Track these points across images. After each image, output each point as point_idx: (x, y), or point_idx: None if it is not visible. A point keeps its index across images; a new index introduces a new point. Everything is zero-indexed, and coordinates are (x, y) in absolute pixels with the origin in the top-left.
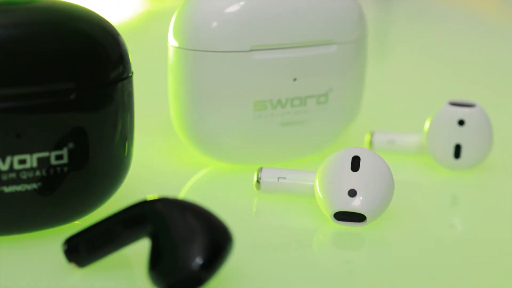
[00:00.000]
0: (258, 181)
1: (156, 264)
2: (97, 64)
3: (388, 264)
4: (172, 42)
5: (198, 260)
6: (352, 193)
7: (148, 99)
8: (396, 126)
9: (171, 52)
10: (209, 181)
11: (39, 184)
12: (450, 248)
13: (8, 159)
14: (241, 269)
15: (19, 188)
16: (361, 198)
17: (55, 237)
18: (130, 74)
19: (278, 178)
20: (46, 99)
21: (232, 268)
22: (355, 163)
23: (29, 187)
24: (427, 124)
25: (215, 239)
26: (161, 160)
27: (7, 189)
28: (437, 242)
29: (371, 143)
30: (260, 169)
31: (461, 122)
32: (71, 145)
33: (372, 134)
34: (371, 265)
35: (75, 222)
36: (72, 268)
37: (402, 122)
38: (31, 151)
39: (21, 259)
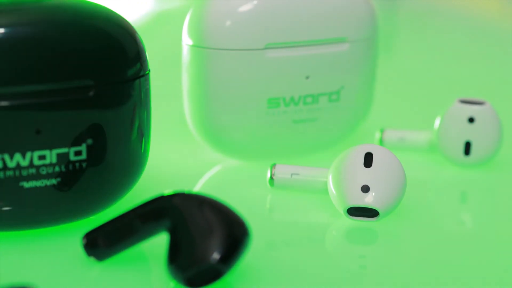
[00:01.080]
0: (271, 177)
1: (175, 258)
2: (115, 62)
3: (400, 258)
4: (187, 41)
5: (217, 254)
6: (365, 188)
7: (163, 96)
8: (406, 124)
9: (185, 51)
10: (223, 177)
11: (58, 179)
12: (459, 243)
13: (28, 155)
14: (255, 265)
15: (38, 183)
16: (374, 193)
17: (73, 232)
18: (147, 72)
19: (292, 174)
20: (66, 96)
21: (246, 264)
22: (368, 160)
23: (48, 182)
24: (437, 122)
25: (233, 233)
26: (175, 157)
27: (27, 185)
28: (447, 237)
29: (381, 140)
30: (274, 166)
31: (471, 120)
32: (89, 141)
33: (382, 132)
34: (383, 260)
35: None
36: (91, 262)
37: (412, 120)
38: (50, 147)
39: (41, 254)
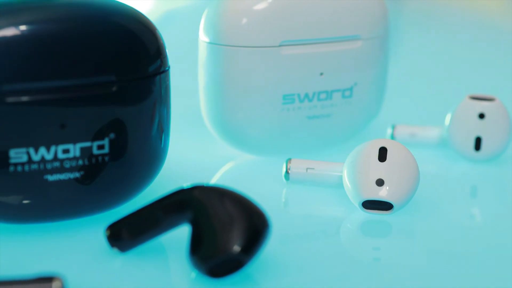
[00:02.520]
0: (287, 172)
1: (197, 249)
2: (137, 58)
3: (413, 251)
4: (203, 38)
5: (238, 244)
6: (380, 182)
7: (179, 92)
8: (417, 120)
9: (202, 47)
10: (239, 172)
11: (81, 173)
12: (470, 236)
13: (53, 149)
14: (271, 258)
15: (62, 176)
16: (388, 187)
17: (96, 225)
18: (167, 68)
19: (307, 169)
20: (89, 91)
21: (262, 257)
22: (382, 154)
23: (71, 175)
24: (448, 118)
25: (254, 224)
26: (191, 152)
27: (51, 178)
28: (458, 231)
29: (393, 136)
30: (289, 160)
31: (481, 116)
32: (112, 135)
33: (394, 128)
34: (397, 252)
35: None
36: (114, 253)
37: (423, 116)
38: (74, 141)
39: (66, 245)
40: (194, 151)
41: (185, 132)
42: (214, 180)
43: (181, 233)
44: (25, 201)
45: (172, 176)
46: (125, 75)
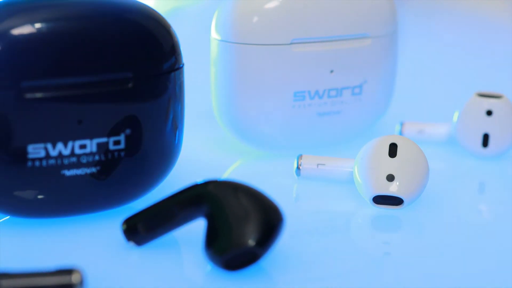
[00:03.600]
0: (298, 168)
1: (213, 242)
2: (153, 55)
3: (422, 245)
4: (215, 36)
5: (253, 238)
6: (390, 178)
7: (192, 89)
8: (425, 117)
9: (214, 45)
10: (250, 168)
11: (98, 168)
12: (477, 232)
13: (70, 144)
14: (283, 252)
15: (79, 171)
16: (398, 182)
17: (113, 219)
18: (181, 65)
19: (318, 164)
20: (106, 87)
21: (274, 251)
22: (393, 150)
23: (88, 170)
24: (455, 115)
25: (268, 218)
26: (203, 148)
27: (68, 173)
28: (466, 226)
29: (401, 133)
30: (300, 156)
31: (489, 113)
32: (127, 131)
33: (402, 125)
34: (407, 247)
35: None
36: (130, 246)
37: (431, 113)
38: (91, 137)
39: (82, 240)
40: (206, 147)
41: (197, 128)
42: (226, 175)
43: (197, 227)
44: (42, 196)
45: (185, 172)
46: (141, 72)
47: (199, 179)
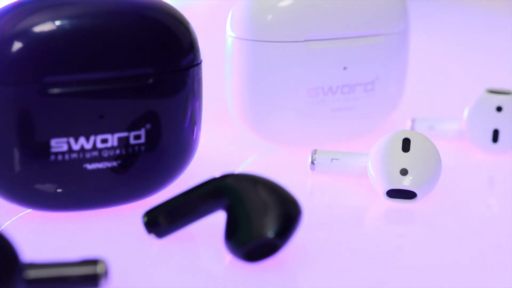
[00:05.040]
0: (312, 162)
1: (233, 234)
2: (172, 52)
3: (435, 239)
4: (230, 33)
5: (273, 230)
6: (404, 172)
7: (207, 86)
8: (435, 113)
9: (229, 42)
10: (265, 163)
11: (118, 162)
12: (488, 226)
13: (92, 139)
14: (297, 246)
15: (100, 165)
16: (411, 176)
17: (133, 212)
18: (200, 62)
19: (332, 159)
20: (127, 83)
21: (288, 245)
22: (406, 144)
23: (109, 164)
24: (466, 111)
25: (287, 210)
26: (218, 143)
27: (89, 167)
28: (476, 220)
29: (412, 129)
30: (314, 151)
31: (499, 109)
32: (148, 126)
33: (413, 121)
34: (420, 239)
35: None
36: (151, 239)
37: (441, 109)
38: (112, 131)
39: (103, 233)
40: (221, 142)
41: (212, 124)
42: (240, 169)
43: (217, 220)
44: (64, 189)
45: (201, 166)
46: (161, 68)
47: (215, 173)
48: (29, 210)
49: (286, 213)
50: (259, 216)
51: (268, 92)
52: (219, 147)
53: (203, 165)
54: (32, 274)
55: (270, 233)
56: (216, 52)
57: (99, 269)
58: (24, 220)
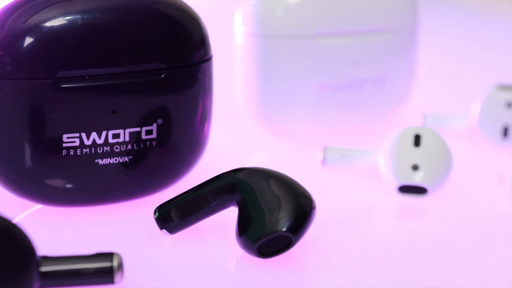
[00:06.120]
0: (323, 158)
1: (246, 229)
2: (184, 46)
3: (446, 234)
4: (240, 28)
5: (287, 224)
6: (415, 167)
7: (216, 81)
8: (445, 109)
9: (239, 37)
10: (274, 158)
11: (130, 157)
12: (497, 221)
13: (104, 134)
14: (307, 242)
15: (112, 160)
16: (423, 172)
17: (145, 207)
18: (211, 57)
19: (342, 155)
20: (139, 78)
21: (303, 239)
22: (417, 140)
23: (121, 159)
24: (476, 107)
25: (300, 205)
26: (227, 139)
27: (101, 162)
28: (487, 215)
29: (422, 124)
30: (325, 147)
31: (509, 105)
32: (159, 121)
33: (423, 116)
34: (430, 235)
35: None
36: (163, 234)
37: (451, 104)
38: (124, 126)
39: (114, 228)
40: (230, 138)
41: (221, 120)
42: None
43: (228, 215)
44: (76, 184)
45: (211, 161)
46: (172, 63)
47: (225, 169)
48: (39, 206)
49: (299, 207)
50: (272, 211)
51: (277, 88)
52: (227, 143)
53: (212, 161)
54: (48, 267)
55: (283, 228)
56: (223, 48)
57: (114, 262)
58: (35, 216)
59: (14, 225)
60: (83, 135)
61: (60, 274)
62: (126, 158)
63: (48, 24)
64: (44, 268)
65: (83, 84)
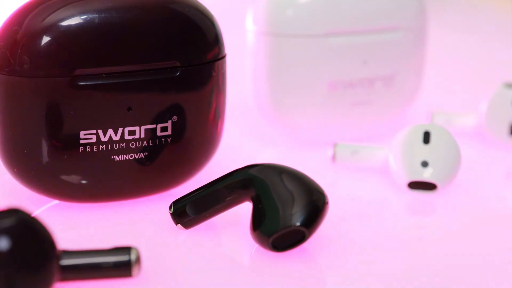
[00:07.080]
0: (333, 155)
1: (260, 224)
2: (198, 45)
3: (455, 229)
4: (252, 27)
5: (300, 219)
6: (425, 164)
7: (229, 79)
8: (453, 107)
9: (250, 36)
10: (286, 156)
11: (145, 153)
12: (506, 217)
13: (120, 130)
14: (320, 238)
15: (127, 157)
16: (432, 169)
17: (160, 203)
18: (224, 55)
19: (353, 152)
20: (155, 75)
21: (315, 235)
22: (426, 137)
23: (136, 156)
24: (484, 105)
25: (314, 200)
26: (239, 137)
27: (117, 158)
28: (495, 211)
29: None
30: (335, 144)
31: None
32: (174, 118)
33: (431, 114)
34: (440, 231)
35: None
36: (178, 229)
37: (459, 102)
38: (140, 123)
39: (130, 224)
40: (242, 136)
41: (234, 118)
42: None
43: (242, 211)
44: (92, 180)
45: (223, 159)
46: (187, 61)
47: (238, 166)
48: (56, 201)
49: (313, 202)
50: (285, 206)
51: (288, 86)
52: (239, 141)
53: (224, 158)
54: (68, 261)
55: (297, 223)
56: (235, 47)
57: (132, 256)
58: (52, 211)
59: (35, 219)
60: (100, 131)
61: (80, 268)
62: (141, 155)
63: (66, 22)
64: (64, 262)
65: (100, 82)
